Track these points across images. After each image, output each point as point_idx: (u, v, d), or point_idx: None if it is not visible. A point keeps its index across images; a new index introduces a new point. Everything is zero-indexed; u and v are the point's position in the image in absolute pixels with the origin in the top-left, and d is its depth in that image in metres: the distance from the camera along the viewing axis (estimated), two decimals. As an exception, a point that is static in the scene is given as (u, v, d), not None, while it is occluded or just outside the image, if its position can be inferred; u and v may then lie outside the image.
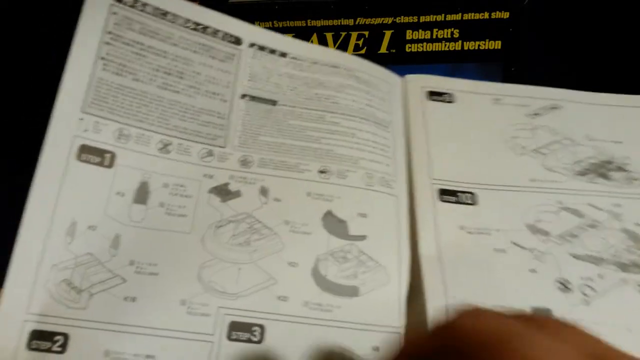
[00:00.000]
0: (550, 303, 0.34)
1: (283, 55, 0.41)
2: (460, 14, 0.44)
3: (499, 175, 0.40)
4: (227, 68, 0.39)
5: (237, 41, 0.40)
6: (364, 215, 0.36)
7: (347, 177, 0.38)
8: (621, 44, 0.44)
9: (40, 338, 0.28)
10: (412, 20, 0.46)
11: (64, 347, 0.28)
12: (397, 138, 0.41)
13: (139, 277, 0.31)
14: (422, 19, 0.46)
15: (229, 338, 0.30)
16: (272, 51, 0.41)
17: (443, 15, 0.45)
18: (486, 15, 0.44)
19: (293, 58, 0.41)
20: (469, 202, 0.38)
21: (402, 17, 0.46)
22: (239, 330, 0.31)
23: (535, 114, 0.44)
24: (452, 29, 0.43)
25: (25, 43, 0.39)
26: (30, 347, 0.28)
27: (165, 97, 0.36)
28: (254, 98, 0.39)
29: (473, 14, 0.44)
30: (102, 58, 0.35)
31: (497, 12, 0.44)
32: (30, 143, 0.33)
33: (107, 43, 0.35)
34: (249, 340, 0.31)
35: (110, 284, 0.30)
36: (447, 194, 0.38)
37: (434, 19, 0.45)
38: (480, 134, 0.42)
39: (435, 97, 0.43)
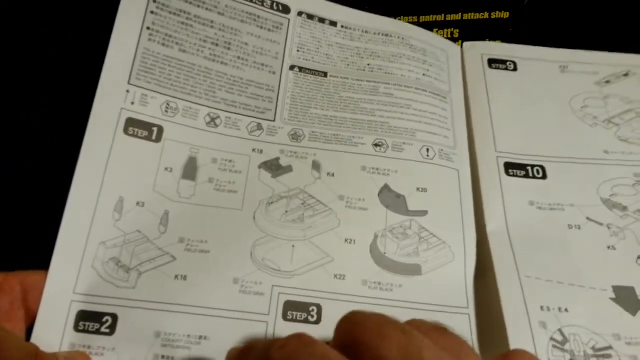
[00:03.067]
0: (633, 281, 0.31)
1: (333, 24, 0.39)
2: (460, 14, 0.43)
3: (570, 147, 0.37)
4: (275, 38, 0.37)
5: (285, 9, 0.38)
6: (424, 190, 0.34)
7: (404, 150, 0.35)
8: (621, 44, 0.43)
9: (88, 319, 0.27)
10: (412, 20, 0.45)
11: (112, 328, 0.27)
12: (456, 109, 0.38)
13: (189, 255, 0.29)
14: (422, 19, 0.45)
15: (285, 318, 0.29)
16: (322, 20, 0.39)
17: (443, 15, 0.44)
18: (486, 15, 0.43)
19: (343, 27, 0.39)
20: (539, 176, 0.35)
21: (402, 17, 0.45)
22: (295, 310, 0.29)
23: (606, 82, 0.40)
24: (452, 29, 0.43)
25: (25, 43, 0.38)
26: (77, 329, 0.26)
27: (213, 69, 0.34)
28: (303, 69, 0.37)
29: (473, 14, 0.43)
30: (148, 28, 0.33)
31: (497, 12, 0.44)
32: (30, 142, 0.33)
33: (153, 12, 0.34)
34: (306, 321, 0.29)
35: (160, 262, 0.29)
36: (515, 168, 0.35)
37: (434, 19, 0.44)
38: (547, 104, 0.39)
39: (496, 65, 0.40)
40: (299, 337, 0.18)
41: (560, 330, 0.29)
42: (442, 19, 0.44)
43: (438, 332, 0.20)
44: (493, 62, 0.40)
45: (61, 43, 0.38)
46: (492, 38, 0.43)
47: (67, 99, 0.36)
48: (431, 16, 0.41)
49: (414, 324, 0.20)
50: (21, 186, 0.34)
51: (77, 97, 0.32)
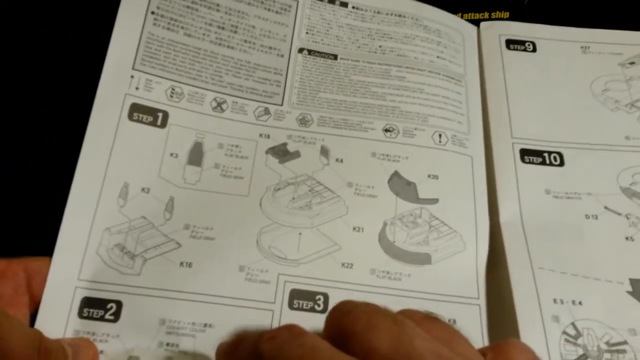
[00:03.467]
0: (651, 274, 0.30)
1: (343, 4, 0.38)
2: (460, 14, 0.42)
3: (590, 133, 0.35)
4: (283, 20, 0.36)
5: (294, -10, 0.37)
6: (435, 177, 0.33)
7: (415, 135, 0.34)
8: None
9: (93, 306, 0.27)
10: None
11: (117, 315, 0.27)
12: (471, 93, 0.37)
13: (194, 242, 0.29)
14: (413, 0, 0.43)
15: (291, 307, 0.28)
16: (331, 0, 0.38)
17: None
18: (486, 15, 0.43)
19: (354, 8, 0.38)
20: (556, 163, 0.34)
21: None
22: (301, 298, 0.28)
23: (631, 63, 0.39)
24: (442, 10, 0.40)
25: (25, 43, 0.38)
26: (82, 315, 0.26)
27: (219, 53, 0.34)
28: (312, 52, 0.36)
29: (473, 14, 0.43)
30: (153, 12, 0.33)
31: (497, 12, 0.43)
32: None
33: (157, -5, 0.33)
34: (312, 310, 0.28)
35: (165, 249, 0.29)
36: (531, 155, 0.34)
37: (438, 9, 0.42)
38: (566, 87, 0.37)
39: (514, 46, 0.39)
40: (289, 328, 0.18)
41: (573, 324, 0.28)
42: None
43: (430, 321, 0.19)
44: (511, 43, 0.39)
45: (61, 43, 0.38)
46: None
47: (67, 98, 0.35)
48: None
49: (406, 313, 0.19)
50: (22, 184, 0.34)
51: (77, 96, 0.31)
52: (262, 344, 0.18)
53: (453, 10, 0.41)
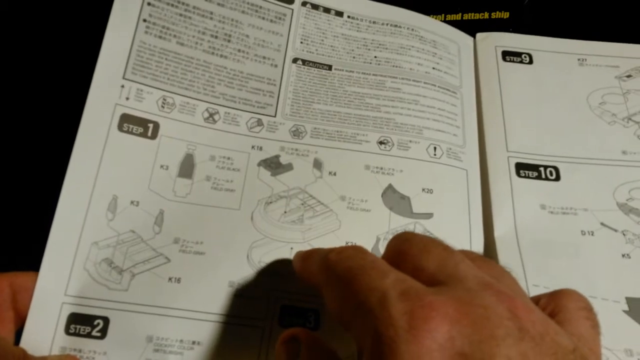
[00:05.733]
0: (649, 293, 0.29)
1: (339, 14, 0.37)
2: (460, 14, 0.42)
3: (586, 147, 0.35)
4: (277, 29, 0.36)
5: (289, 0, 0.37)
6: (429, 191, 0.32)
7: (410, 148, 0.34)
8: (617, 41, 0.41)
9: (79, 322, 0.26)
10: None
11: (104, 331, 0.26)
12: (467, 105, 0.36)
13: (184, 257, 0.28)
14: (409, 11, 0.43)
15: (281, 324, 0.28)
16: (327, 10, 0.37)
17: (443, 15, 0.43)
18: (486, 15, 0.43)
19: (350, 17, 0.38)
20: (552, 177, 0.33)
21: None
22: (293, 315, 0.28)
23: (628, 76, 0.38)
24: (439, 21, 0.40)
25: (20, 43, 0.37)
26: (68, 332, 0.26)
27: (212, 62, 0.33)
28: (306, 62, 0.35)
29: (473, 14, 0.43)
30: (145, 20, 0.32)
31: (497, 12, 0.43)
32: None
33: (150, 4, 0.33)
34: (303, 326, 0.28)
35: (153, 264, 0.28)
36: (526, 169, 0.34)
37: (434, 19, 0.42)
38: (563, 100, 0.37)
39: (511, 58, 0.38)
40: (355, 247, 0.22)
41: (568, 344, 0.27)
42: (442, 19, 0.43)
43: (482, 259, 0.21)
44: (507, 55, 0.38)
45: (49, 51, 0.37)
46: None
47: (55, 108, 0.35)
48: (431, 16, 0.40)
49: (463, 251, 0.21)
50: (12, 186, 0.33)
51: (65, 106, 0.31)
52: (332, 255, 0.21)
53: (453, 11, 0.41)
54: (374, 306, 0.18)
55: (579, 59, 0.39)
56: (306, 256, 0.25)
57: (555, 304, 0.21)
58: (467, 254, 0.21)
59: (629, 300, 0.29)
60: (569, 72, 0.38)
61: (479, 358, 0.16)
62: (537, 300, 0.22)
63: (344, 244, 0.30)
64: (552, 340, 0.17)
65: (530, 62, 0.38)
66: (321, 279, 0.22)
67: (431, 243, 0.20)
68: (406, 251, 0.20)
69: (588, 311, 0.21)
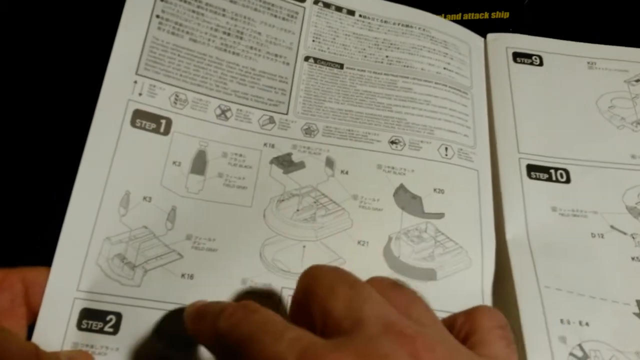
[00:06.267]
0: (658, 296, 0.30)
1: (351, 13, 0.37)
2: (460, 14, 0.42)
3: (596, 150, 0.35)
4: (290, 27, 0.35)
5: (301, -3, 0.36)
6: (440, 191, 0.32)
7: (421, 148, 0.34)
8: (622, 44, 0.41)
9: (92, 317, 0.26)
10: None
11: (116, 327, 0.26)
12: (478, 106, 0.37)
13: (196, 253, 0.28)
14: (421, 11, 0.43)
15: (293, 322, 0.28)
16: (339, 8, 0.37)
17: (443, 15, 0.43)
18: (486, 15, 0.43)
19: (361, 16, 0.38)
20: (563, 180, 0.34)
21: None
22: (304, 313, 0.28)
23: (637, 80, 0.39)
24: (450, 21, 0.41)
25: (25, 47, 0.37)
26: (80, 327, 0.26)
27: (224, 59, 0.33)
28: (318, 61, 0.35)
29: (473, 14, 0.43)
30: (158, 16, 0.32)
31: (497, 12, 0.43)
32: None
33: (163, 0, 0.32)
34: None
35: (166, 260, 0.28)
36: (537, 170, 0.34)
37: (446, 19, 0.43)
38: (572, 103, 0.37)
39: (521, 60, 0.38)
40: (244, 306, 0.21)
41: (580, 345, 0.27)
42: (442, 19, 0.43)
43: (393, 286, 0.21)
44: (518, 56, 0.39)
45: (63, 47, 0.37)
46: None
47: (68, 104, 0.35)
48: None
49: (373, 280, 0.21)
50: (25, 181, 0.33)
51: (79, 102, 0.31)
52: (221, 321, 0.21)
53: (453, 11, 0.41)
54: None
55: (588, 62, 0.39)
56: (197, 315, 0.24)
57: (471, 324, 0.21)
58: (377, 283, 0.21)
59: (639, 303, 0.29)
60: (578, 75, 0.38)
61: None
62: (453, 320, 0.22)
63: (356, 243, 0.30)
64: None
65: (541, 64, 0.38)
66: (217, 351, 0.22)
67: (337, 281, 0.20)
68: (314, 291, 0.20)
69: (502, 329, 0.21)
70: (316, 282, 0.20)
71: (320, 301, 0.20)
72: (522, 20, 0.43)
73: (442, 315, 0.29)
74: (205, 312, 0.23)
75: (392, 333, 0.18)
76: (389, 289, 0.21)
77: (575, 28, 0.42)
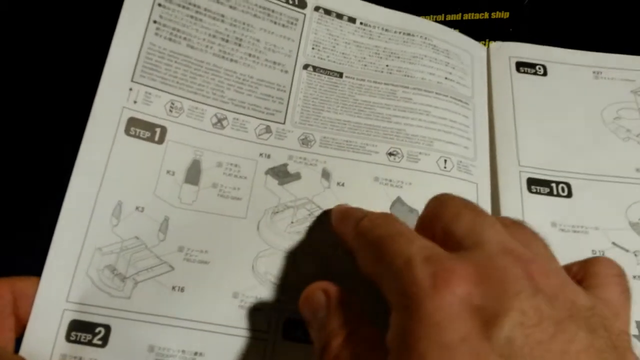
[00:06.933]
0: (659, 316, 0.29)
1: (352, 20, 0.37)
2: (460, 14, 0.42)
3: (599, 163, 0.34)
4: (289, 34, 0.35)
5: (302, 4, 0.36)
6: (438, 205, 0.32)
7: (420, 160, 0.33)
8: (622, 44, 0.41)
9: (81, 329, 0.26)
10: None
11: (105, 339, 0.26)
12: (478, 117, 0.36)
13: (188, 265, 0.28)
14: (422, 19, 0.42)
15: (286, 336, 0.27)
16: (340, 16, 0.37)
17: (443, 15, 0.43)
18: (486, 15, 0.43)
19: (362, 24, 0.37)
20: (564, 194, 0.33)
21: None
22: (297, 328, 0.28)
23: (644, 91, 0.38)
24: (452, 29, 0.40)
25: (18, 52, 0.37)
26: (69, 339, 0.25)
27: (222, 67, 0.33)
28: (317, 69, 0.35)
29: (473, 14, 0.43)
30: (155, 22, 0.32)
31: (497, 12, 0.43)
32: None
33: (160, 5, 0.32)
34: (307, 340, 0.27)
35: (157, 272, 0.28)
36: (538, 184, 0.33)
37: (434, 19, 0.43)
38: (577, 114, 0.36)
39: (525, 69, 0.38)
40: (385, 215, 0.24)
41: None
42: (442, 19, 0.43)
43: (516, 225, 0.22)
44: (521, 66, 0.38)
45: (57, 52, 0.37)
46: (492, 38, 0.41)
47: (62, 110, 0.34)
48: (431, 16, 0.40)
49: (497, 217, 0.23)
50: (16, 189, 0.33)
51: (72, 108, 0.30)
52: (364, 222, 0.24)
53: (453, 11, 0.40)
54: (401, 269, 0.19)
55: (594, 72, 0.38)
56: (343, 216, 0.27)
57: (586, 271, 0.22)
58: (502, 220, 0.22)
59: (639, 325, 0.28)
60: (583, 85, 0.37)
61: (494, 310, 0.17)
62: (569, 268, 0.22)
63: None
64: (567, 299, 0.18)
65: (545, 73, 0.38)
66: (354, 244, 0.24)
67: (464, 208, 0.21)
68: (440, 214, 0.22)
69: (619, 277, 0.21)
70: (443, 206, 0.22)
71: (445, 223, 0.21)
72: (522, 20, 0.42)
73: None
74: (350, 214, 0.26)
75: (510, 254, 0.19)
76: (512, 225, 0.22)
77: (575, 29, 0.41)
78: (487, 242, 0.19)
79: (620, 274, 0.22)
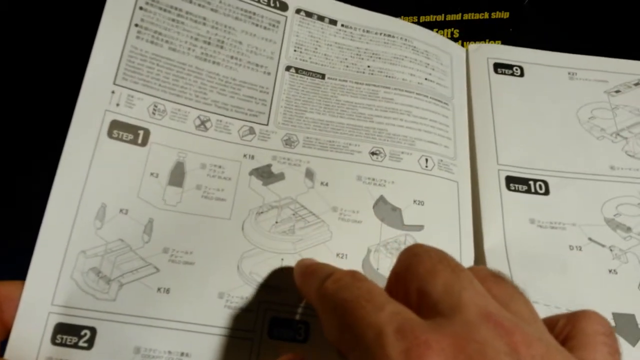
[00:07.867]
0: (634, 308, 0.30)
1: (333, 22, 0.37)
2: (460, 14, 0.43)
3: (575, 161, 0.35)
4: (271, 37, 0.35)
5: (283, 6, 0.36)
6: (420, 203, 0.32)
7: (402, 159, 0.34)
8: (622, 44, 0.42)
9: (66, 332, 0.26)
10: (412, 20, 0.45)
11: (91, 342, 0.26)
12: (458, 116, 0.37)
13: (173, 267, 0.28)
14: (422, 19, 0.44)
15: (271, 335, 0.28)
16: (321, 18, 0.37)
17: (443, 15, 0.44)
18: (486, 15, 0.43)
19: (343, 26, 0.37)
20: (542, 192, 0.34)
21: (403, 17, 0.44)
22: (282, 327, 0.28)
23: (616, 91, 0.39)
24: (452, 29, 0.43)
25: (14, 47, 0.37)
26: (55, 342, 0.25)
27: (204, 69, 0.33)
28: (299, 70, 0.35)
29: (473, 14, 0.43)
30: (137, 25, 0.32)
31: (497, 12, 0.43)
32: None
33: (142, 8, 0.32)
34: (293, 339, 0.28)
35: (142, 273, 0.28)
36: (516, 182, 0.34)
37: (434, 19, 0.44)
38: (553, 114, 0.37)
39: (502, 70, 0.38)
40: (352, 274, 0.21)
41: (555, 360, 0.27)
42: (442, 19, 0.44)
43: (494, 279, 0.21)
44: (499, 67, 0.39)
45: (39, 56, 0.37)
46: (492, 38, 0.42)
47: (44, 114, 0.34)
48: (431, 16, 0.41)
49: (474, 269, 0.21)
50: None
51: (60, 103, 0.30)
52: (328, 283, 0.21)
53: (453, 11, 0.41)
54: (370, 344, 0.18)
55: (569, 73, 0.39)
56: (306, 273, 0.25)
57: (572, 327, 0.20)
58: (478, 273, 0.21)
59: (616, 316, 0.29)
60: (559, 85, 0.38)
61: None
62: (555, 321, 0.21)
63: (334, 256, 0.30)
64: None
65: (522, 74, 0.38)
66: (318, 306, 0.22)
67: (439, 264, 0.20)
68: (414, 270, 0.20)
69: (607, 336, 0.20)
70: (418, 260, 0.20)
71: (419, 280, 0.20)
72: (522, 20, 0.43)
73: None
74: (314, 271, 0.24)
75: (491, 322, 0.17)
76: (490, 279, 0.20)
77: (576, 27, 0.42)
78: (465, 307, 0.18)
79: (609, 333, 0.20)
